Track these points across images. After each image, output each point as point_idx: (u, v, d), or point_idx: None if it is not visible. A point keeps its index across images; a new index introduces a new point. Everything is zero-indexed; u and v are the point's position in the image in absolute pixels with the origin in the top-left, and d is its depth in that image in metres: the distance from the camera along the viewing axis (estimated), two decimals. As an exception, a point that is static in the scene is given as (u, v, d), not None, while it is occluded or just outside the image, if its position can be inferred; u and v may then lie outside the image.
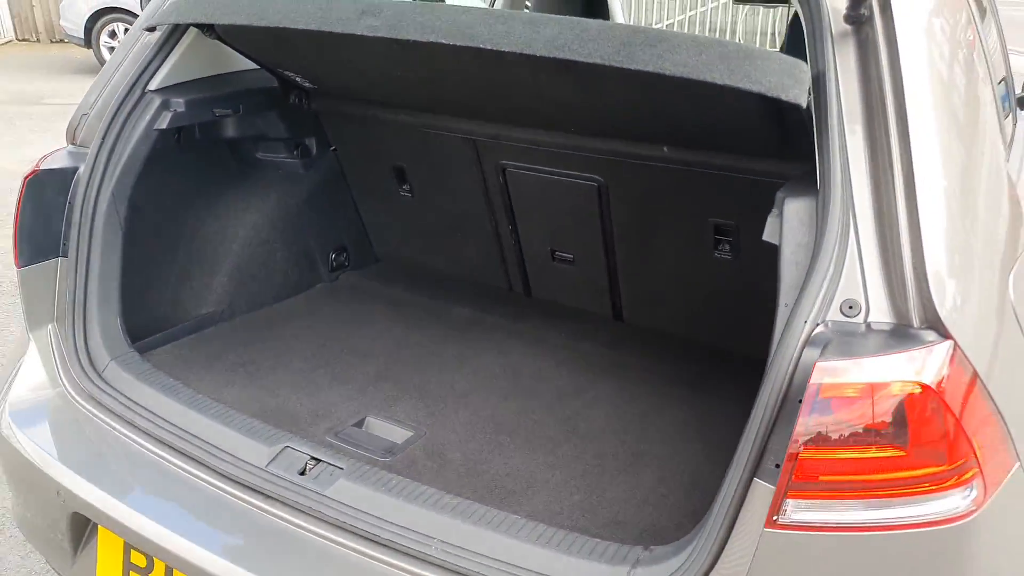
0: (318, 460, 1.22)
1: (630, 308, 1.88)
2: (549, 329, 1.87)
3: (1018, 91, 2.38)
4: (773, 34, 9.02)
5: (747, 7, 8.73)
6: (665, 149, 1.51)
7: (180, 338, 1.68)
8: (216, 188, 1.79)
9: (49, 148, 4.06)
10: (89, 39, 8.28)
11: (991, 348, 0.96)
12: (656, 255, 1.75)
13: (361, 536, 1.10)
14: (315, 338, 1.77)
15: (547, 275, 1.96)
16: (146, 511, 1.17)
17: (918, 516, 0.86)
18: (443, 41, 1.14)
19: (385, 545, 1.08)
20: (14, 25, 10.63)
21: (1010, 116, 1.87)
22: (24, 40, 10.73)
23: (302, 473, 1.20)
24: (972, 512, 0.88)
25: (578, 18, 1.15)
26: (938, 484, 0.86)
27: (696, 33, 10.21)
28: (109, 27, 8.25)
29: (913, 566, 0.88)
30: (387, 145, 1.93)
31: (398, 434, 1.42)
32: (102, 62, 8.37)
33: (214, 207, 1.79)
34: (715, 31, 10.52)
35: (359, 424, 1.44)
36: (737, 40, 10.03)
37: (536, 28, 1.11)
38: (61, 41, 10.57)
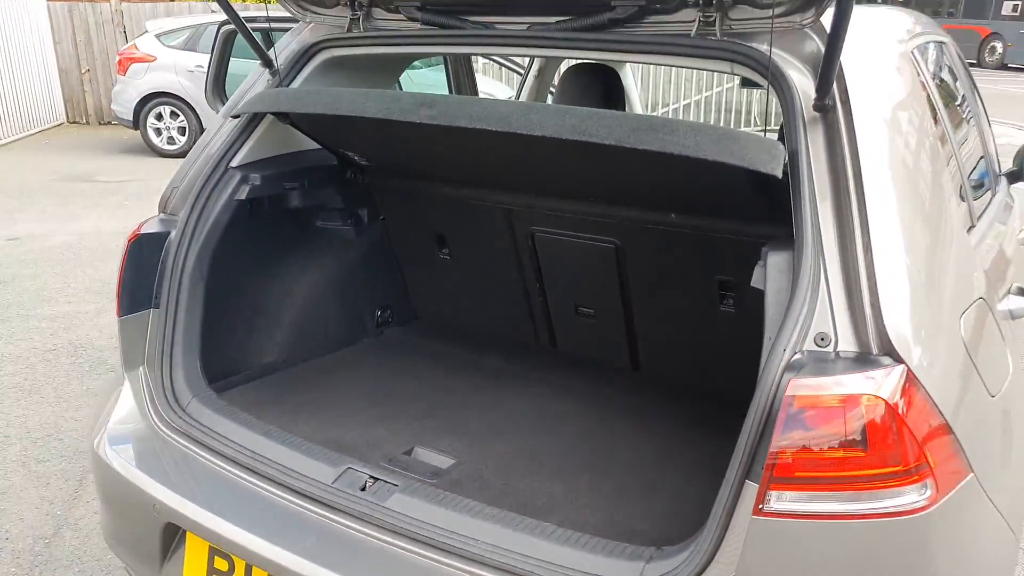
0: (376, 479, 1.42)
1: (646, 358, 2.08)
2: (573, 377, 2.08)
3: (1010, 166, 2.63)
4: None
5: (759, 88, 9.06)
6: (673, 216, 1.75)
7: (248, 382, 1.90)
8: (280, 251, 2.04)
9: (99, 222, 4.52)
10: (137, 121, 8.82)
11: (941, 374, 1.16)
12: (668, 310, 1.97)
13: (414, 539, 1.29)
14: (365, 384, 1.99)
15: (571, 328, 2.18)
16: (229, 519, 1.37)
17: (879, 508, 1.05)
18: (488, 128, 1.39)
19: (435, 546, 1.27)
20: (66, 108, 11.30)
21: (986, 188, 2.09)
22: (75, 122, 11.37)
23: (363, 489, 1.39)
24: (926, 507, 1.06)
25: (596, 109, 1.40)
26: (895, 482, 1.05)
27: (706, 113, 10.63)
28: (156, 110, 8.78)
29: (876, 551, 1.05)
30: (430, 214, 2.18)
31: (443, 461, 1.61)
32: (148, 142, 8.88)
33: (278, 268, 2.04)
34: (731, 110, 10.94)
35: (408, 452, 1.64)
36: (753, 118, 10.43)
37: (562, 117, 1.36)
38: (109, 123, 11.20)
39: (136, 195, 7.07)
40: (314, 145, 2.02)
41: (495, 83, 8.45)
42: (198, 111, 8.65)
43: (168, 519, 1.43)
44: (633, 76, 4.29)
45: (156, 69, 8.66)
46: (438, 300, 2.40)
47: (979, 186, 2.01)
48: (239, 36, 2.35)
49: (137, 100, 8.69)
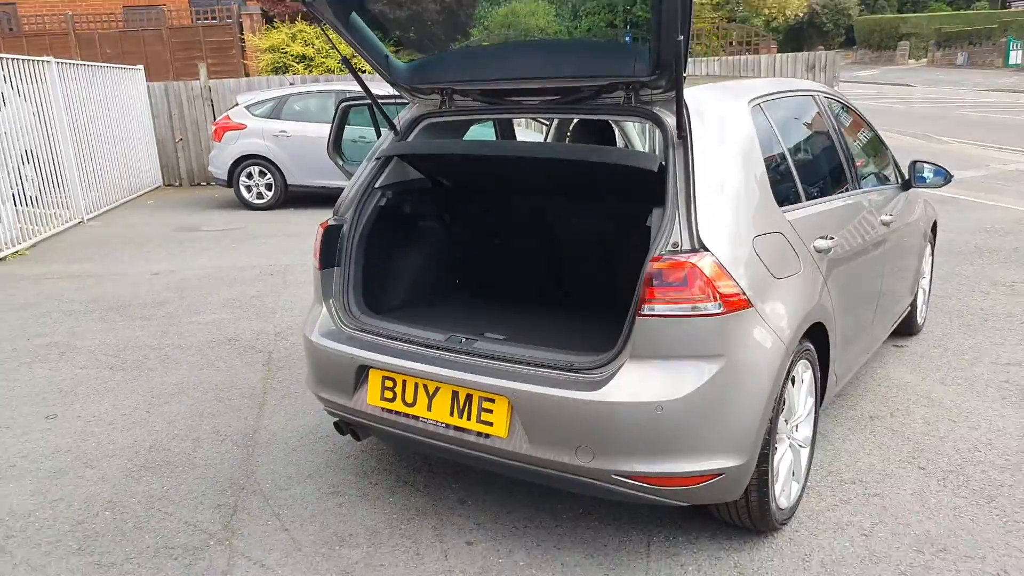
0: (467, 338, 2.73)
1: (593, 279, 3.42)
2: (561, 298, 3.47)
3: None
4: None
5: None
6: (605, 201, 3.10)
7: (387, 312, 3.24)
8: (402, 238, 3.40)
9: (217, 260, 6.54)
10: (231, 180, 10.46)
11: (732, 261, 2.43)
12: (610, 248, 3.30)
13: (481, 356, 2.60)
14: (452, 312, 3.35)
15: (564, 271, 3.56)
16: (392, 357, 2.71)
17: (694, 311, 2.33)
18: (516, 155, 2.76)
19: (484, 356, 2.59)
20: (162, 173, 13.10)
21: (843, 187, 3.37)
22: (170, 185, 13.16)
23: (460, 342, 2.71)
24: (717, 314, 2.34)
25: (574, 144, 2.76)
26: (701, 302, 2.33)
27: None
28: (247, 170, 10.41)
29: (695, 333, 2.33)
30: (485, 215, 3.57)
31: (496, 334, 2.90)
32: (240, 198, 10.48)
33: (400, 248, 3.39)
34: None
35: (481, 334, 2.94)
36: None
37: (556, 150, 2.71)
38: (199, 184, 12.95)
39: (240, 239, 8.63)
40: (418, 175, 3.39)
41: (530, 132, 9.90)
42: (282, 170, 10.27)
43: (359, 363, 2.77)
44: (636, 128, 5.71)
45: (247, 135, 10.31)
46: (486, 266, 3.79)
47: (830, 185, 3.30)
48: (352, 110, 3.79)
49: (231, 162, 10.34)
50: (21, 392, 4.38)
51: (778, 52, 15.40)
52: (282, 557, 2.75)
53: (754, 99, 2.95)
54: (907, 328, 4.81)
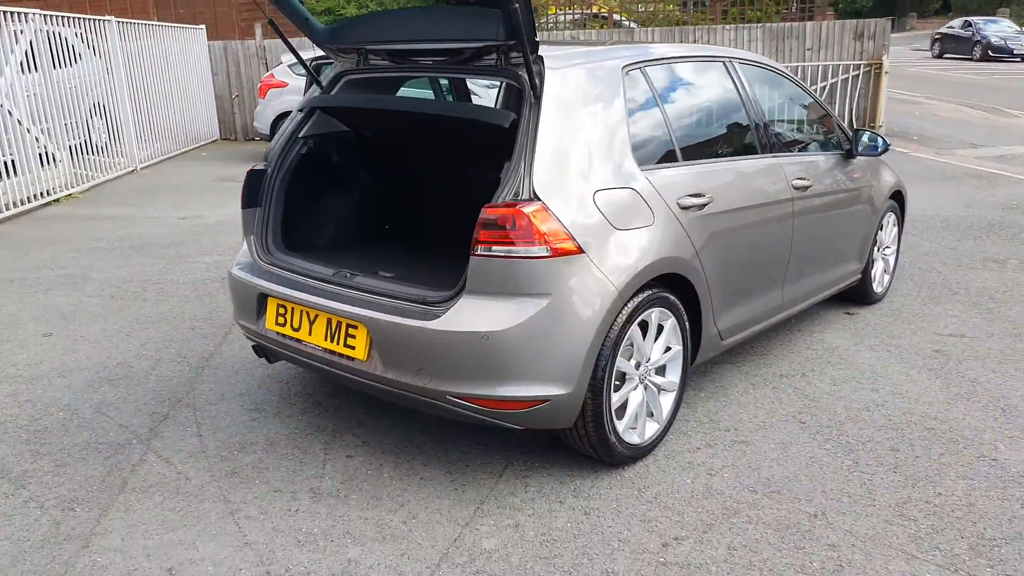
0: (351, 273, 3.05)
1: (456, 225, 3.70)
2: (429, 236, 3.81)
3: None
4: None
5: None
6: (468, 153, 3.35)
7: (311, 251, 3.58)
8: (323, 183, 3.73)
9: (232, 210, 7.03)
10: (272, 134, 10.99)
11: (565, 210, 2.66)
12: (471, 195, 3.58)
13: (357, 288, 2.91)
14: (358, 248, 3.68)
15: (434, 214, 3.87)
16: (286, 289, 3.05)
17: (523, 253, 2.57)
18: (400, 109, 3.04)
19: (360, 288, 2.90)
20: (220, 128, 13.80)
21: (735, 148, 3.51)
22: (226, 139, 13.86)
23: (345, 276, 3.03)
24: (544, 257, 2.58)
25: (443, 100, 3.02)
26: (530, 245, 2.58)
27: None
28: (288, 126, 10.90)
29: (524, 273, 2.58)
30: (395, 162, 3.89)
31: (385, 272, 3.21)
32: (281, 152, 11.03)
33: (321, 192, 3.73)
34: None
35: (375, 273, 3.26)
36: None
37: (427, 105, 2.97)
38: (252, 139, 13.59)
39: (269, 190, 9.14)
40: (341, 127, 3.70)
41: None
42: (319, 126, 10.72)
43: (260, 292, 3.13)
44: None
45: (288, 93, 10.80)
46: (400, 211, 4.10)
47: (722, 148, 3.45)
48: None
49: (273, 118, 10.86)
50: (30, 313, 4.94)
51: (836, 19, 14.92)
52: (187, 457, 3.16)
53: (632, 64, 3.13)
54: (862, 297, 4.89)
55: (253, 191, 3.41)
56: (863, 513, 2.75)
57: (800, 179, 3.82)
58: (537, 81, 2.76)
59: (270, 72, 11.42)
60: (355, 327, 2.85)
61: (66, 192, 8.87)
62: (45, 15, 8.77)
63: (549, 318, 2.62)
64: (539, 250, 2.60)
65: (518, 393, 2.65)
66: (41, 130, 8.69)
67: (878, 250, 4.92)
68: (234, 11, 17.34)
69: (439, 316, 2.66)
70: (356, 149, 3.80)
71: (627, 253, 2.82)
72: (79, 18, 9.58)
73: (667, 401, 3.19)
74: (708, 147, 3.44)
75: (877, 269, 4.96)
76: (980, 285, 5.33)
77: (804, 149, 4.12)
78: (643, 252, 2.87)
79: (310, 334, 2.99)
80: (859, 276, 4.73)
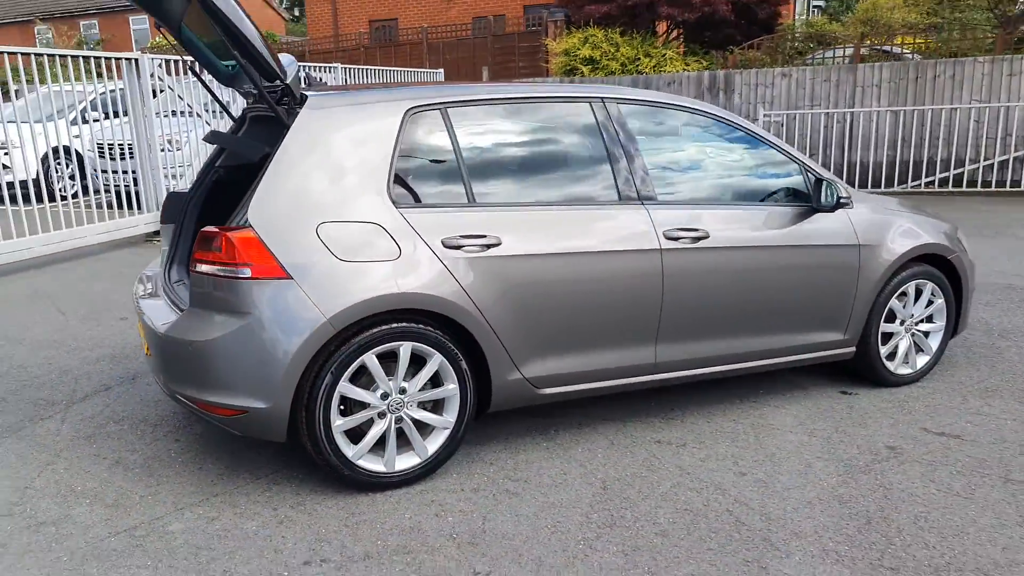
0: (178, 283, 3.52)
1: None
2: None
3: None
4: None
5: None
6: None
7: None
8: (231, 203, 4.25)
9: None
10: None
11: (279, 239, 2.86)
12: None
13: (176, 303, 3.37)
14: None
15: None
16: (147, 312, 3.61)
17: (231, 274, 2.84)
18: (224, 144, 3.45)
19: (177, 302, 3.34)
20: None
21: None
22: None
23: (172, 287, 3.50)
24: (248, 279, 2.82)
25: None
26: (232, 267, 2.83)
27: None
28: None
29: (232, 292, 2.85)
30: None
31: None
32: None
33: (229, 210, 4.25)
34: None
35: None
36: None
37: (226, 140, 3.35)
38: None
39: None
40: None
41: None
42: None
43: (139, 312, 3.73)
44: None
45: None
46: None
47: (547, 189, 3.34)
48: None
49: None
50: (120, 303, 6.15)
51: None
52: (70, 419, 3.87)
53: (423, 106, 3.21)
54: (871, 375, 4.22)
55: (171, 209, 4.04)
56: (521, 582, 2.56)
57: (683, 230, 3.52)
58: (284, 118, 3.02)
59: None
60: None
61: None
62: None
63: (248, 335, 2.86)
64: (242, 271, 2.85)
65: (222, 400, 2.91)
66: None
67: (901, 324, 4.21)
68: (489, 55, 18.95)
69: (169, 323, 3.03)
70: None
71: (350, 284, 2.93)
72: (309, 66, 11.34)
73: (436, 438, 3.19)
74: (518, 191, 3.33)
75: (899, 346, 4.24)
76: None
77: (729, 199, 3.74)
78: (373, 285, 2.95)
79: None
80: (850, 350, 4.12)
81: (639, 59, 15.54)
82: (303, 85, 3.57)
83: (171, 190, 4.22)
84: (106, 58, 8.50)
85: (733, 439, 3.62)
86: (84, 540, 2.81)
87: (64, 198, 10.36)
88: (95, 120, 11.02)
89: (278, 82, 3.05)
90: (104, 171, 10.00)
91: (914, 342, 4.32)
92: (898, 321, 4.23)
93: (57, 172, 10.53)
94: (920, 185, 11.26)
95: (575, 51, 16.24)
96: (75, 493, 3.15)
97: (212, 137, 3.67)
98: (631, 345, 3.51)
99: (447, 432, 3.20)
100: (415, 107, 3.20)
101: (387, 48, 20.40)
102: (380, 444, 3.12)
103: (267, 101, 2.97)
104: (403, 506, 3.03)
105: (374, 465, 3.10)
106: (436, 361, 3.11)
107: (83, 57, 8.10)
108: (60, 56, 7.87)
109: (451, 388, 3.17)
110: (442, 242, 3.09)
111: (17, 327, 5.45)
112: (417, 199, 3.12)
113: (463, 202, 3.19)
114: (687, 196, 3.65)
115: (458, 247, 3.11)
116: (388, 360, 3.06)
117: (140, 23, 30.39)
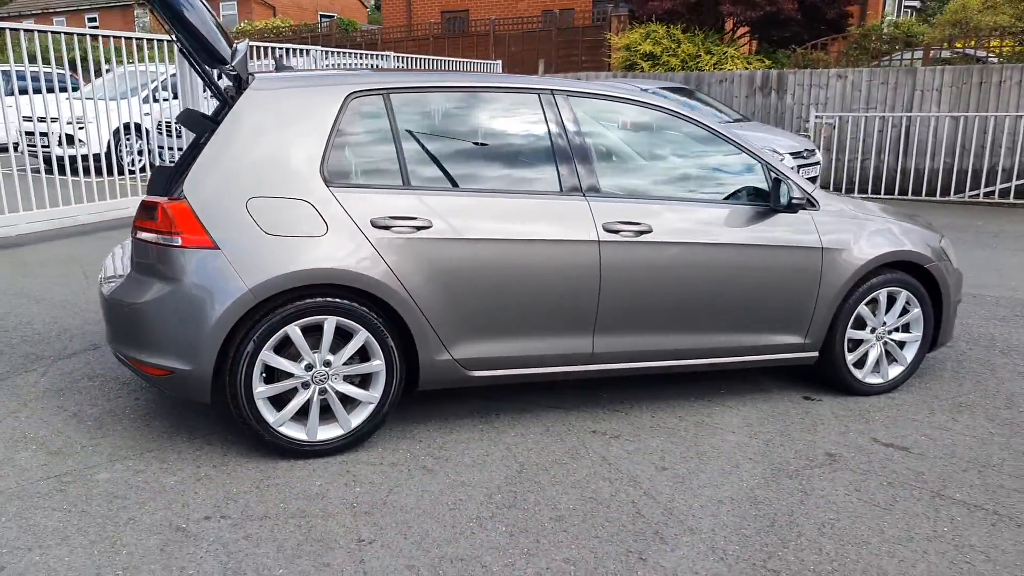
0: None
1: None
2: None
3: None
4: None
5: None
6: None
7: None
8: None
9: None
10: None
11: (206, 210, 3.02)
12: None
13: None
14: None
15: None
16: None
17: (163, 241, 3.02)
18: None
19: None
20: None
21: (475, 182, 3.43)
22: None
23: None
24: (178, 247, 2.99)
25: None
26: (166, 235, 3.01)
27: None
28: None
29: (164, 258, 3.02)
30: None
31: None
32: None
33: None
34: None
35: None
36: None
37: (195, 120, 3.53)
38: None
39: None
40: None
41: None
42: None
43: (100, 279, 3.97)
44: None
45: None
46: None
47: (484, 178, 3.39)
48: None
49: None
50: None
51: None
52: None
53: (366, 91, 3.31)
54: (838, 382, 4.13)
55: (157, 182, 4.26)
56: None
57: (625, 223, 3.53)
58: (225, 98, 3.18)
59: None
60: (108, 293, 3.54)
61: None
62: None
63: (176, 299, 3.03)
64: (174, 240, 3.03)
65: (152, 360, 3.10)
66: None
67: (871, 332, 4.11)
68: (554, 48, 18.97)
69: (113, 286, 3.24)
70: None
71: (273, 256, 3.06)
72: (359, 52, 11.62)
73: (361, 412, 3.30)
74: (456, 178, 3.39)
75: (868, 354, 4.14)
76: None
77: (681, 196, 3.72)
78: (295, 259, 3.08)
79: (108, 293, 3.75)
80: (813, 355, 4.04)
81: (700, 56, 15.30)
82: (271, 70, 3.74)
83: (161, 164, 4.41)
84: (168, 41, 8.94)
85: (670, 435, 3.62)
86: (16, 482, 3.04)
87: (132, 172, 10.96)
88: (165, 100, 11.64)
89: (228, 66, 3.21)
90: (162, 148, 10.57)
91: (886, 351, 4.20)
92: (868, 328, 4.12)
93: (126, 147, 11.12)
94: (979, 195, 10.76)
95: (636, 46, 16.10)
96: (26, 439, 3.40)
97: (183, 115, 3.87)
98: (568, 334, 3.54)
99: (372, 407, 3.31)
100: (357, 91, 3.31)
101: (455, 39, 20.64)
102: (306, 413, 3.25)
103: (207, 80, 3.13)
104: (318, 474, 3.16)
105: (296, 433, 3.24)
106: (362, 337, 3.22)
107: (146, 40, 8.57)
108: (126, 39, 8.36)
109: (377, 364, 3.28)
110: (371, 222, 3.19)
111: (41, 288, 5.84)
112: (350, 179, 3.24)
113: (397, 184, 3.29)
114: (635, 191, 3.65)
115: (387, 228, 3.21)
116: (318, 333, 3.19)
117: (229, 8, 31.64)
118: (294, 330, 3.13)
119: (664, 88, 11.09)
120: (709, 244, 3.68)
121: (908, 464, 3.40)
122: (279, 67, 3.86)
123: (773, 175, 3.85)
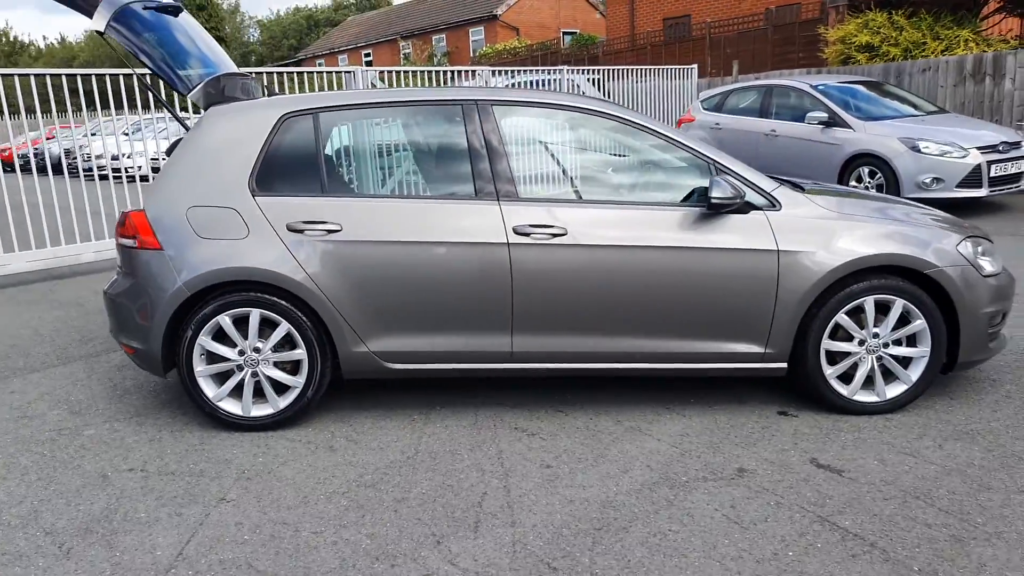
0: None
1: None
2: None
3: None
4: None
5: None
6: None
7: None
8: None
9: None
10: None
11: (159, 218, 3.63)
12: None
13: None
14: None
15: None
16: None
17: (126, 243, 3.70)
18: None
19: None
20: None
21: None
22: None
23: None
24: (135, 248, 3.66)
25: None
26: (131, 238, 3.69)
27: None
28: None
29: (127, 258, 3.71)
30: None
31: None
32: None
33: None
34: None
35: None
36: None
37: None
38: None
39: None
40: None
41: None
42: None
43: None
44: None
45: (693, 127, 11.51)
46: None
47: (398, 184, 3.71)
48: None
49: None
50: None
51: None
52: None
53: (298, 112, 3.74)
54: (818, 397, 3.83)
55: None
56: None
57: (536, 226, 3.59)
58: (183, 123, 3.80)
59: (689, 108, 12.21)
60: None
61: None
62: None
63: (135, 291, 3.70)
64: (132, 242, 3.70)
65: (125, 340, 3.81)
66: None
67: (860, 344, 3.74)
68: (768, 46, 18.08)
69: (108, 283, 4.00)
70: None
71: (202, 256, 3.61)
72: (535, 69, 12.17)
73: (289, 395, 3.75)
74: (372, 185, 3.70)
75: (857, 369, 3.76)
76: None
77: (606, 198, 3.69)
78: (219, 258, 3.60)
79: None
80: (780, 365, 3.76)
81: (925, 43, 13.73)
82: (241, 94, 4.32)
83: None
84: (337, 72, 10.19)
85: (589, 437, 3.60)
86: (30, 430, 3.89)
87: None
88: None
89: (189, 94, 3.85)
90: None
91: (884, 367, 3.76)
92: (856, 341, 3.72)
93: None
94: None
95: (851, 38, 14.88)
96: (67, 402, 4.29)
97: (171, 148, 4.63)
98: (484, 333, 3.68)
99: (297, 391, 3.74)
100: (289, 112, 3.77)
101: (671, 45, 20.47)
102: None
103: (167, 109, 3.77)
104: (239, 444, 3.65)
105: (234, 408, 3.76)
106: (283, 328, 3.66)
107: (317, 73, 9.86)
108: (276, 73, 9.71)
109: (299, 353, 3.69)
110: (286, 226, 3.62)
111: (89, 293, 6.92)
112: (273, 190, 3.70)
113: (315, 192, 3.69)
114: (554, 194, 3.69)
115: (300, 231, 3.62)
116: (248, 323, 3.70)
117: (477, 34, 34.02)
118: (224, 320, 3.65)
119: (847, 83, 10.25)
120: (636, 247, 3.60)
121: (823, 487, 3.09)
122: (269, 94, 4.44)
123: (713, 175, 3.66)
